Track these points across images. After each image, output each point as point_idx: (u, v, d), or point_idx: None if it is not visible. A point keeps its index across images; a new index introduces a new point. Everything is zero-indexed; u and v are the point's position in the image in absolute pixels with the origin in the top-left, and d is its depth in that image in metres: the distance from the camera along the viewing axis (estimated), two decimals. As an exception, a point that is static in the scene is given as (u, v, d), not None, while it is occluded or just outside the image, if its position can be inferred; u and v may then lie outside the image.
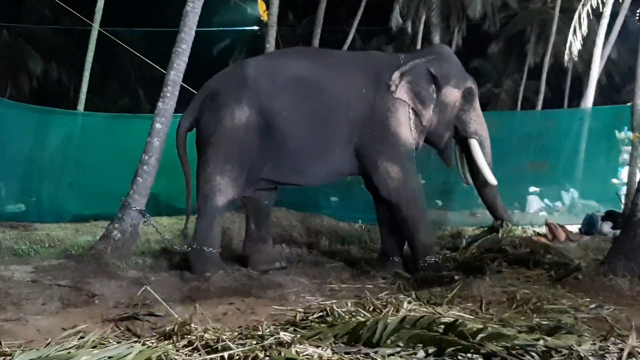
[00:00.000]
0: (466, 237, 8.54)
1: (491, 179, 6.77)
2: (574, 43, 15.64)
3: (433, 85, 6.50)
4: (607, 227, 9.33)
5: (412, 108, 6.36)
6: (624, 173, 11.57)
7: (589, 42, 17.10)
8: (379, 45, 24.31)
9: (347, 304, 4.34)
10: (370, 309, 4.25)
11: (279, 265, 6.57)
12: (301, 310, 4.31)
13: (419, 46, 18.76)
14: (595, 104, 15.84)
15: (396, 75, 6.34)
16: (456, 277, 5.65)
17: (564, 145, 12.11)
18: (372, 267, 6.60)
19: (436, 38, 22.16)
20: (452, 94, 6.60)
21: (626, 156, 11.50)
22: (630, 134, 11.17)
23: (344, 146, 6.30)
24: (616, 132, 11.70)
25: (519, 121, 13.07)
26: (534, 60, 24.82)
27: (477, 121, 6.75)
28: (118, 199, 6.71)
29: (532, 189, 11.86)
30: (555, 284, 5.25)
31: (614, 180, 11.76)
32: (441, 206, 11.18)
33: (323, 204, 10.61)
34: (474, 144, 6.74)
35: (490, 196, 6.99)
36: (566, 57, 16.79)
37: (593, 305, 4.50)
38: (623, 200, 10.45)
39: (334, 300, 4.63)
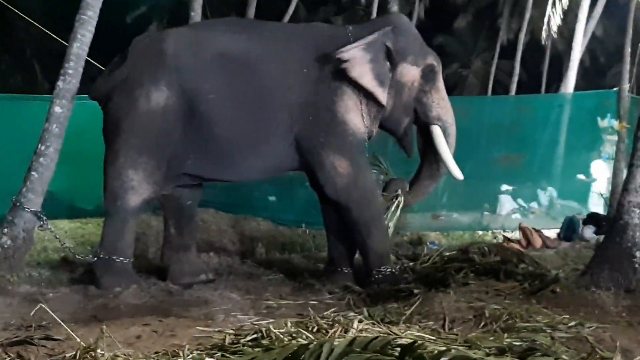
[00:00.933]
0: (430, 243, 8.65)
1: (457, 172, 6.84)
2: (553, 17, 16.01)
3: (388, 63, 6.52)
4: (589, 232, 9.59)
5: (364, 91, 6.36)
6: (595, 167, 11.86)
7: (570, 17, 17.49)
8: (327, 16, 24.32)
9: (286, 324, 4.32)
10: (314, 330, 4.24)
11: (205, 278, 6.51)
12: (231, 331, 4.27)
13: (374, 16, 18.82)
14: (577, 88, 16.18)
15: (356, 51, 6.29)
16: (415, 291, 5.71)
17: (541, 136, 12.37)
18: (317, 279, 6.61)
19: (394, 9, 22.32)
20: (410, 73, 6.61)
21: (609, 147, 11.83)
22: (614, 122, 11.50)
23: (282, 136, 6.27)
24: (598, 119, 12.04)
25: (489, 108, 13.25)
26: (507, 37, 25.21)
27: (440, 104, 6.79)
28: (7, 198, 6.53)
29: (504, 187, 12.08)
30: (530, 298, 5.34)
31: (580, 176, 12.05)
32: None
33: (259, 204, 10.61)
34: (437, 131, 6.78)
35: (425, 180, 7.06)
36: (544, 34, 17.20)
37: (573, 323, 4.58)
38: (608, 201, 10.71)
39: (271, 320, 4.62)
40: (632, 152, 5.73)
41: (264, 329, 4.13)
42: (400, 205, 7.06)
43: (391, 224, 7.04)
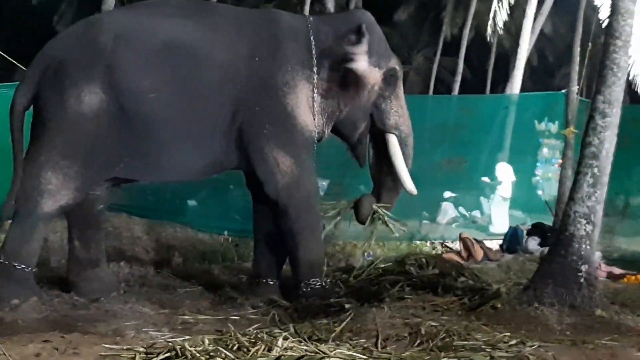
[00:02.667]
0: (365, 254, 8.70)
1: (411, 187, 6.84)
2: (499, 12, 16.30)
3: None
4: (533, 243, 9.80)
5: (319, 87, 6.37)
6: (500, 169, 12.10)
7: (518, 13, 17.84)
8: (257, 3, 24.32)
9: (203, 341, 4.30)
10: (235, 348, 4.23)
11: (117, 294, 6.40)
12: (142, 349, 4.23)
13: (307, 8, 18.85)
14: (524, 89, 16.54)
15: (361, 47, 6.31)
16: (347, 306, 5.74)
17: (486, 139, 12.59)
18: (240, 292, 6.59)
19: (330, -3, 22.43)
20: (372, 74, 6.63)
21: (546, 151, 12.12)
22: (552, 125, 11.78)
23: (227, 130, 6.20)
24: (535, 122, 12.31)
25: (431, 108, 13.36)
26: (451, 32, 25.64)
27: (398, 112, 6.80)
28: None
29: (445, 194, 12.23)
30: (469, 315, 5.44)
31: (484, 179, 12.31)
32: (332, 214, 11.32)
33: (177, 209, 10.49)
34: (393, 140, 6.80)
35: (386, 195, 7.08)
36: (489, 30, 17.51)
37: (514, 342, 4.68)
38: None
39: (187, 337, 4.59)
40: (579, 159, 5.87)
41: (178, 347, 4.10)
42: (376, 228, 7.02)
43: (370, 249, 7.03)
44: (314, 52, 6.37)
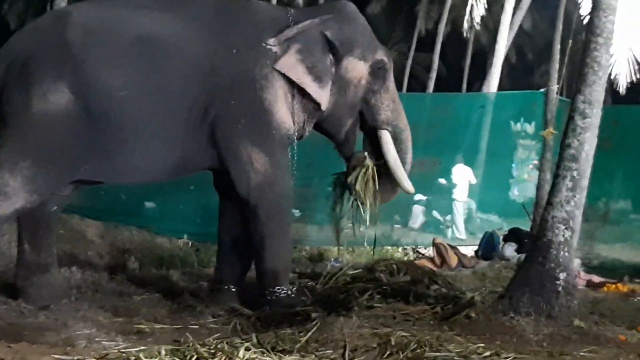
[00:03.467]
0: (332, 260, 8.71)
1: (407, 186, 6.89)
2: (476, 6, 16.36)
3: (330, 55, 6.53)
4: (510, 249, 9.88)
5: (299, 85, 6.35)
6: (456, 171, 12.19)
7: (496, 7, 17.94)
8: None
9: (160, 352, 4.28)
10: (193, 359, 4.21)
11: (68, 301, 6.34)
12: (94, 360, 4.20)
13: (274, 0, 18.86)
14: (501, 88, 16.64)
15: (278, 40, 6.27)
16: (313, 315, 5.74)
17: (461, 140, 12.67)
18: (200, 300, 6.57)
19: (299, -12, 22.45)
20: (357, 68, 6.60)
21: (521, 152, 12.22)
22: (528, 126, 11.88)
23: (199, 126, 6.14)
24: (511, 122, 12.41)
25: (404, 106, 13.32)
26: (426, 26, 25.72)
27: (390, 107, 6.81)
28: None
29: (417, 197, 12.26)
30: (442, 324, 5.45)
31: (442, 180, 12.41)
32: (299, 217, 11.30)
33: (134, 211, 10.46)
34: (385, 137, 6.80)
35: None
36: (466, 25, 17.59)
37: (488, 353, 4.70)
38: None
39: (142, 347, 4.54)
40: (557, 162, 5.91)
41: (133, 358, 4.08)
42: (370, 173, 6.86)
43: (368, 199, 6.86)
44: None
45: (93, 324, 5.62)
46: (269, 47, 6.26)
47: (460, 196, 12.25)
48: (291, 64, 6.30)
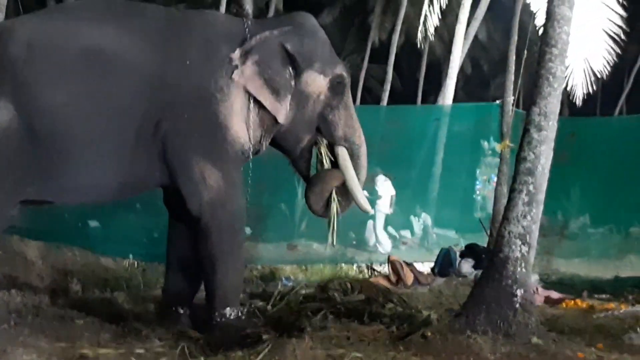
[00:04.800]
0: (284, 279, 8.69)
1: (364, 204, 6.91)
2: (430, 17, 16.48)
3: (290, 68, 6.52)
4: (467, 265, 9.94)
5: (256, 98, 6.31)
6: (380, 183, 12.27)
7: (450, 18, 18.09)
8: (168, 2, 24.17)
9: (103, 379, 4.24)
10: (139, 385, 4.19)
11: (7, 326, 6.24)
12: (34, 388, 4.15)
13: (223, 7, 18.81)
14: (456, 100, 16.75)
15: (237, 53, 6.23)
16: (264, 337, 5.71)
17: (416, 154, 12.76)
18: (146, 323, 6.50)
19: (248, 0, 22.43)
20: (316, 83, 6.59)
21: (484, 169, 12.35)
22: (484, 139, 11.99)
23: (150, 142, 6.08)
24: (467, 135, 12.51)
25: (358, 119, 13.46)
26: (379, 37, 25.89)
27: (348, 123, 6.82)
28: None
29: (372, 212, 12.30)
30: (397, 345, 5.46)
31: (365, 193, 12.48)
32: (250, 236, 11.28)
33: (77, 230, 10.35)
34: (343, 153, 6.80)
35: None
36: (420, 36, 17.68)
37: (445, 373, 4.74)
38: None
39: (85, 374, 4.51)
40: (514, 175, 5.96)
41: (75, 385, 4.03)
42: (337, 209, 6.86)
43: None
44: None
45: (34, 350, 5.55)
46: (224, 59, 6.23)
47: (384, 208, 12.25)
48: (248, 76, 6.26)
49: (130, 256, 9.66)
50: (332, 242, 6.95)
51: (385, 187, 12.27)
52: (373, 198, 12.03)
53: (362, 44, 26.20)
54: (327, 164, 6.86)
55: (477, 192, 12.95)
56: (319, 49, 6.63)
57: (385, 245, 12.18)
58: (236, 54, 6.24)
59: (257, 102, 6.34)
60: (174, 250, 6.76)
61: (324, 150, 6.81)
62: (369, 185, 12.11)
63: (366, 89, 25.89)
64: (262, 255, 10.58)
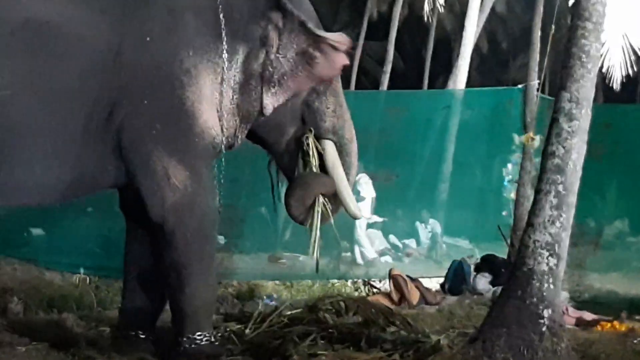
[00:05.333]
0: (266, 298, 8.69)
1: (354, 209, 6.88)
2: (439, -15, 16.44)
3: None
4: (483, 281, 9.96)
5: (230, 79, 6.28)
6: (362, 182, 12.29)
7: (462, -14, 18.09)
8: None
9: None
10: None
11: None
12: None
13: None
14: (470, 83, 16.79)
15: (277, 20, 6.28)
16: (242, 367, 5.74)
17: (422, 148, 12.75)
18: (101, 350, 6.51)
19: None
20: None
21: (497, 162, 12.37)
22: (503, 130, 11.97)
23: (102, 133, 6.04)
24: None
25: (352, 107, 13.29)
26: (378, 8, 25.91)
27: (336, 112, 6.81)
28: None
29: (371, 218, 12.31)
30: (402, 375, 5.48)
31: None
32: (224, 245, 11.27)
33: (17, 239, 10.33)
34: (330, 148, 6.80)
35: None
36: (426, 7, 17.69)
37: (458, 409, 4.75)
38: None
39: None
40: (539, 174, 5.97)
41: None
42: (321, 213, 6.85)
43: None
44: (224, 33, 6.24)
45: (-34, 382, 5.57)
46: (192, 33, 6.20)
47: (365, 212, 12.21)
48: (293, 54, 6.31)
49: (81, 270, 9.64)
50: (314, 254, 6.94)
51: (367, 188, 12.24)
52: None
53: (357, 16, 26.23)
54: (314, 162, 6.87)
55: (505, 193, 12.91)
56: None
57: (368, 252, 12.13)
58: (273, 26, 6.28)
59: (231, 87, 6.31)
60: (133, 262, 6.71)
61: (312, 143, 6.80)
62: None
63: (362, 70, 25.88)
64: (239, 269, 10.58)
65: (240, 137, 6.52)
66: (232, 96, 6.31)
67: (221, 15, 6.25)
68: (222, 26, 6.23)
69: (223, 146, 6.36)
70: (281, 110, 6.54)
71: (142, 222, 6.42)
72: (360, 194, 12.05)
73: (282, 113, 6.58)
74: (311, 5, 6.81)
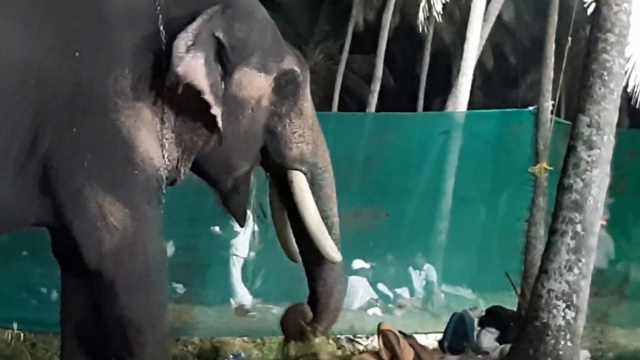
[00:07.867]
0: (232, 357, 8.69)
1: (331, 252, 6.87)
2: (435, -10, 16.55)
3: (219, 66, 6.38)
4: (488, 338, 9.94)
5: (173, 101, 6.20)
6: None
7: (463, -9, 18.22)
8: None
9: None
10: None
11: None
12: None
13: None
14: (473, 105, 16.85)
15: (182, 44, 6.06)
16: None
17: (416, 180, 12.77)
18: None
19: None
20: (254, 83, 6.53)
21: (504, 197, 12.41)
22: (511, 159, 12.00)
23: (24, 164, 6.02)
24: (488, 154, 12.56)
25: (334, 131, 13.36)
26: (364, 17, 26.00)
27: (305, 136, 6.83)
28: None
29: (355, 264, 12.32)
30: None
31: (214, 229, 12.46)
32: (182, 295, 11.27)
33: None
34: (298, 181, 6.83)
35: (327, 284, 7.09)
36: (421, 16, 17.76)
37: None
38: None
39: None
40: (554, 211, 5.98)
41: None
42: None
43: None
44: (164, 47, 6.17)
45: None
46: (127, 47, 6.11)
47: (241, 250, 12.08)
48: (198, 72, 6.09)
49: (14, 325, 9.60)
50: None
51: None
52: (227, 236, 11.83)
53: (340, 25, 26.29)
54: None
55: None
56: (255, 35, 6.51)
57: (242, 298, 12.02)
58: (181, 47, 6.11)
59: (174, 111, 6.26)
60: (69, 316, 6.62)
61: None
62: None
63: (346, 89, 25.94)
64: (201, 324, 10.54)
65: (183, 170, 6.45)
66: (175, 122, 6.24)
67: (161, 26, 6.17)
68: (163, 38, 6.13)
69: (164, 180, 6.27)
70: (231, 139, 6.46)
71: (77, 269, 6.31)
72: (234, 228, 11.97)
73: (230, 142, 6.48)
74: (266, 17, 6.76)
